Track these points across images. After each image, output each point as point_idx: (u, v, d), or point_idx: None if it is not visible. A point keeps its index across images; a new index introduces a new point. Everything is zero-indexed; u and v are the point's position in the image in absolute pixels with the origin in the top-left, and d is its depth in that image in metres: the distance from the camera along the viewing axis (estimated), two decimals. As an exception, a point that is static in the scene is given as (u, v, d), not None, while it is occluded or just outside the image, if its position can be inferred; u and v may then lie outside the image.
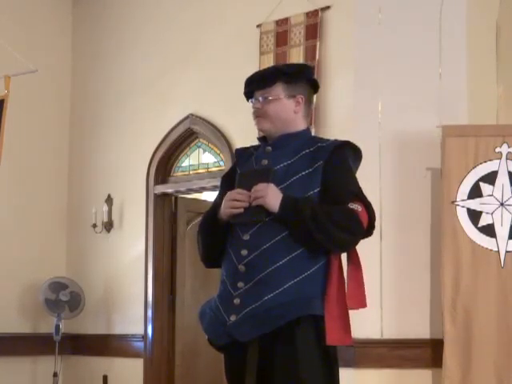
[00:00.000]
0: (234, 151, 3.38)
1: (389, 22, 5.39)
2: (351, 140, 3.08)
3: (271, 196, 2.87)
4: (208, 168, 6.54)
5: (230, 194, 2.96)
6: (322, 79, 5.40)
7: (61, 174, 7.23)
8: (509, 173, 4.99)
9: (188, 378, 6.66)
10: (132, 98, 6.85)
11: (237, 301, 2.88)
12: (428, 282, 5.17)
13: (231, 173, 3.13)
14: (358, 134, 4.92)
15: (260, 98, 3.04)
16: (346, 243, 2.92)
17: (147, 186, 6.68)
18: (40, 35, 7.14)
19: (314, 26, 5.64)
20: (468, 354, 4.86)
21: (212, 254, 3.06)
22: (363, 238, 2.96)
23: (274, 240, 2.87)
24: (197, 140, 6.61)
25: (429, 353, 5.10)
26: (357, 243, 2.95)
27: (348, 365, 4.86)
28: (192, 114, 6.43)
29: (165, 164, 6.69)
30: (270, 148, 3.05)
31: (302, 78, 3.08)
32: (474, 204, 4.99)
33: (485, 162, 5.01)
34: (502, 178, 4.98)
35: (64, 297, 6.62)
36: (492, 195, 4.98)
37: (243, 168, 3.08)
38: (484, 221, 4.97)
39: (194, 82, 6.44)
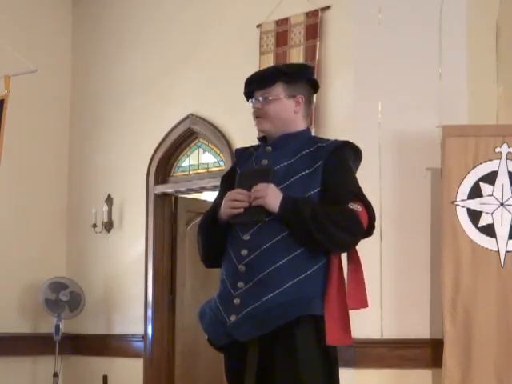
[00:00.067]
0: (233, 151, 3.38)
1: (389, 22, 5.39)
2: (351, 140, 3.08)
3: (271, 196, 2.87)
4: (208, 168, 6.54)
5: (229, 194, 2.95)
6: (321, 79, 5.40)
7: (61, 174, 7.23)
8: (509, 173, 4.98)
9: (188, 378, 6.65)
10: (132, 98, 6.85)
11: (237, 301, 2.88)
12: (428, 282, 5.17)
13: (231, 173, 3.13)
14: (357, 134, 4.92)
15: (260, 98, 3.03)
16: (346, 243, 2.92)
17: (147, 186, 6.67)
18: (40, 35, 7.14)
19: (313, 26, 5.64)
20: (468, 354, 4.86)
21: (212, 254, 3.06)
22: (363, 238, 2.95)
23: (273, 240, 2.87)
24: (197, 140, 6.61)
25: (429, 353, 5.09)
26: (357, 243, 2.95)
27: (348, 365, 4.86)
28: (192, 114, 6.42)
29: (165, 164, 6.69)
30: (270, 148, 3.05)
31: (301, 78, 3.08)
32: (474, 204, 4.99)
33: (485, 162, 5.01)
34: (501, 178, 4.98)
35: (64, 297, 6.61)
36: (492, 195, 4.98)
37: (243, 168, 3.07)
38: (484, 221, 4.97)
39: (194, 82, 6.44)
